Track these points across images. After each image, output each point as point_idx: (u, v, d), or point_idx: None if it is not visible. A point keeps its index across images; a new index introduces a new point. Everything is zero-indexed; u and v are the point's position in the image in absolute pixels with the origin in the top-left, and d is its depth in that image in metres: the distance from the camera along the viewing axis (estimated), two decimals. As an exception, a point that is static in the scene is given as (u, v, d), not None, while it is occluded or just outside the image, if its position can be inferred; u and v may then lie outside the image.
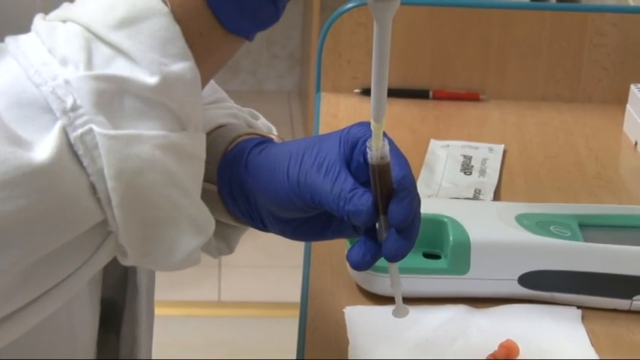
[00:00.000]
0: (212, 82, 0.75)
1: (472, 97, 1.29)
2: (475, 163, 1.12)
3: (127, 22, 0.47)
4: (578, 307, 0.88)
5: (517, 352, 0.81)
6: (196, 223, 0.50)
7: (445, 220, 0.89)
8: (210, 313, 2.40)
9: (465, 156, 1.14)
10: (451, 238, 0.87)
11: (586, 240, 0.89)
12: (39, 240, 0.46)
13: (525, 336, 0.83)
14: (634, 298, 0.87)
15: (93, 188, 0.47)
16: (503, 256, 0.88)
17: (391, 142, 0.60)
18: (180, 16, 0.49)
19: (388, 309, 0.87)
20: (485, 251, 0.87)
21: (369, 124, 0.60)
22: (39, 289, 0.48)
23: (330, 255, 0.93)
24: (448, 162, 1.12)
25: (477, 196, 1.06)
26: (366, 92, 1.23)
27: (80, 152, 0.46)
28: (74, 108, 0.46)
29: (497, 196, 1.07)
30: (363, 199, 0.58)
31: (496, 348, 0.81)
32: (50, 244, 0.47)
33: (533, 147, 1.19)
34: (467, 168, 1.11)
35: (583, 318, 0.87)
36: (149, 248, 0.49)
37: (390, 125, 1.18)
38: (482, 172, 1.11)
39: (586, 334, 0.85)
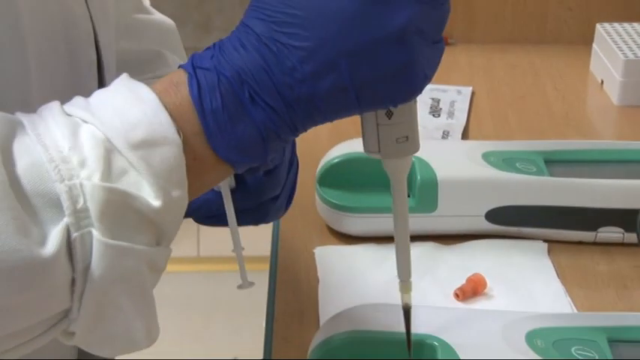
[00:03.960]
0: (166, 56, 0.77)
1: (440, 42, 1.29)
2: (443, 105, 1.13)
3: (144, 145, 0.50)
4: (545, 240, 0.89)
5: (484, 285, 0.82)
6: (149, 332, 0.53)
7: (413, 159, 0.89)
8: (190, 268, 2.42)
9: (433, 99, 1.14)
10: (419, 177, 0.88)
11: (551, 175, 0.90)
12: (7, 322, 0.49)
13: (493, 270, 0.84)
14: (599, 230, 0.88)
15: (73, 282, 0.49)
16: (470, 193, 0.89)
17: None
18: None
19: (357, 248, 0.89)
20: (452, 189, 0.88)
21: None
22: None
23: (301, 197, 0.94)
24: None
25: (445, 137, 1.07)
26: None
27: (77, 252, 0.49)
28: (82, 210, 0.48)
29: (465, 138, 1.08)
30: None
31: (464, 282, 0.83)
32: (17, 325, 0.49)
33: (501, 89, 1.20)
34: (435, 110, 1.12)
35: (549, 251, 0.88)
36: (96, 339, 0.52)
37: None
38: (451, 115, 1.12)
39: (552, 266, 0.86)
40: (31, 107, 0.53)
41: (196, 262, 2.48)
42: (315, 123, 0.53)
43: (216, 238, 2.44)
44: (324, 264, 0.87)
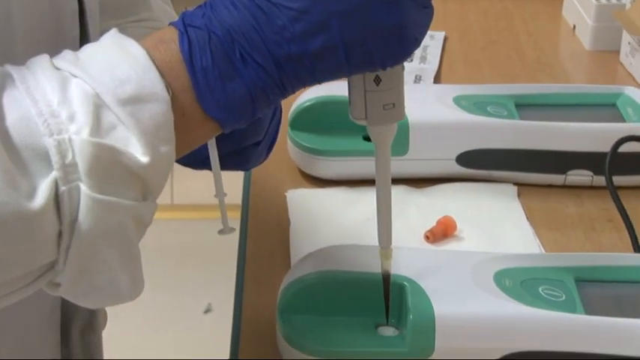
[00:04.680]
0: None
1: (413, -14, 1.29)
2: (416, 50, 1.13)
3: (133, 100, 0.50)
4: (515, 183, 0.90)
5: (454, 227, 0.83)
6: (134, 285, 0.53)
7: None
8: (164, 216, 2.42)
9: (405, 43, 1.14)
10: (390, 120, 0.88)
11: (522, 118, 0.90)
12: None
13: (463, 212, 0.85)
14: (568, 173, 0.89)
15: (60, 235, 0.50)
16: (442, 137, 0.89)
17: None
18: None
19: (329, 191, 0.90)
20: (423, 132, 0.89)
21: None
22: None
23: (272, 141, 0.94)
24: (389, 49, 1.12)
25: (417, 82, 1.07)
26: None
27: (64, 205, 0.49)
28: (71, 164, 0.49)
29: (437, 82, 1.08)
30: None
31: (434, 224, 0.83)
32: (3, 276, 0.49)
33: (474, 33, 1.20)
34: (408, 55, 1.12)
35: (519, 194, 0.89)
36: (81, 291, 0.53)
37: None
38: (423, 59, 1.12)
39: (522, 209, 0.87)
40: (14, 59, 0.53)
41: (170, 209, 2.48)
42: (304, 84, 0.54)
43: (189, 186, 2.44)
44: (295, 207, 0.87)
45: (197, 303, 2.18)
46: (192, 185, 2.41)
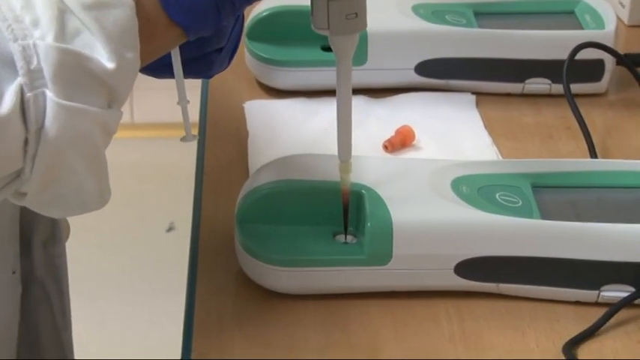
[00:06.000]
0: None
1: None
2: (374, -41, 1.12)
3: (97, 6, 0.50)
4: (473, 92, 0.90)
5: (413, 136, 0.83)
6: (101, 194, 0.53)
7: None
8: (124, 135, 2.40)
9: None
10: (348, 30, 0.87)
11: (480, 27, 0.90)
12: None
13: (421, 122, 0.85)
14: (526, 81, 0.89)
15: (26, 143, 0.49)
16: (400, 46, 0.88)
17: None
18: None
19: (287, 102, 0.89)
20: (381, 41, 0.88)
21: None
22: None
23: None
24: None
25: (376, -8, 1.06)
26: None
27: (30, 111, 0.48)
28: (36, 70, 0.48)
29: (396, -8, 1.07)
30: None
31: (393, 134, 0.83)
32: None
33: (433, -57, 1.18)
34: (366, -35, 1.10)
35: (477, 103, 0.89)
36: (47, 200, 0.53)
37: None
38: (382, -31, 1.10)
39: (480, 118, 0.87)
40: None
41: (130, 128, 2.47)
42: None
43: (149, 105, 2.42)
44: (253, 118, 0.86)
45: (159, 222, 2.18)
46: (153, 103, 2.39)
